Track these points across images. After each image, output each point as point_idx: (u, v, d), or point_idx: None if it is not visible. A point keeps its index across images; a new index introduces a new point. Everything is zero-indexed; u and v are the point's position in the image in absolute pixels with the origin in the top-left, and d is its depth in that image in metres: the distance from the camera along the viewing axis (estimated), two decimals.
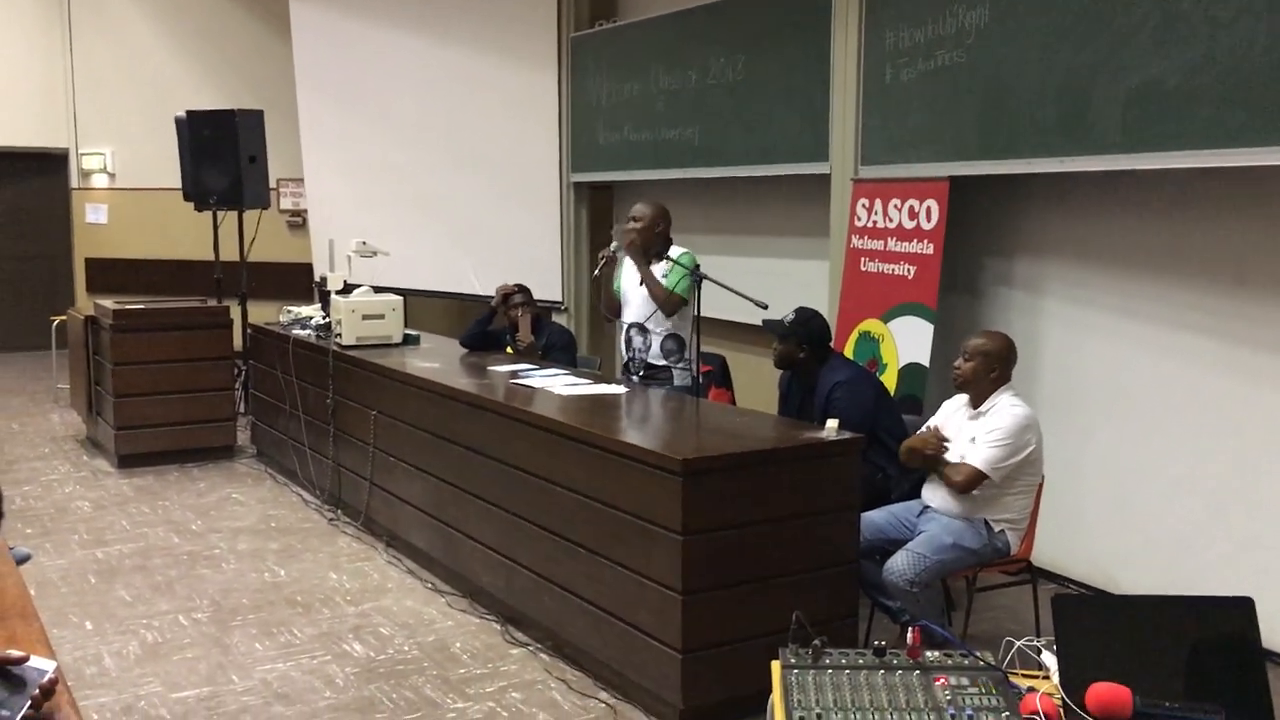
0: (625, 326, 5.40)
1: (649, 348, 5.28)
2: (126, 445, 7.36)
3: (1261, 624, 2.33)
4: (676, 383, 5.24)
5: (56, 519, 6.28)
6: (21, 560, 3.71)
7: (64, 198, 12.32)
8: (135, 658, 4.42)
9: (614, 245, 5.38)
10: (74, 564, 5.52)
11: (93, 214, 12.28)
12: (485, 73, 9.13)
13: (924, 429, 4.41)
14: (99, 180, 12.24)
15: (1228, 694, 2.26)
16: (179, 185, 8.92)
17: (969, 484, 4.11)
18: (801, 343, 4.82)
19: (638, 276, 5.28)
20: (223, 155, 8.52)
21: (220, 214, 8.73)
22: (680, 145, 7.54)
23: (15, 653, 1.86)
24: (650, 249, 5.25)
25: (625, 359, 5.45)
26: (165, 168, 9.84)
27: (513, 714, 3.94)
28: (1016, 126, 5.20)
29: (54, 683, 1.84)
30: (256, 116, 8.66)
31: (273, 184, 9.32)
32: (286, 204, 11.81)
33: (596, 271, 5.46)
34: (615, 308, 5.47)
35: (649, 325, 5.26)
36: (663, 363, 5.27)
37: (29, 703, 1.79)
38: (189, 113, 8.74)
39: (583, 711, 3.97)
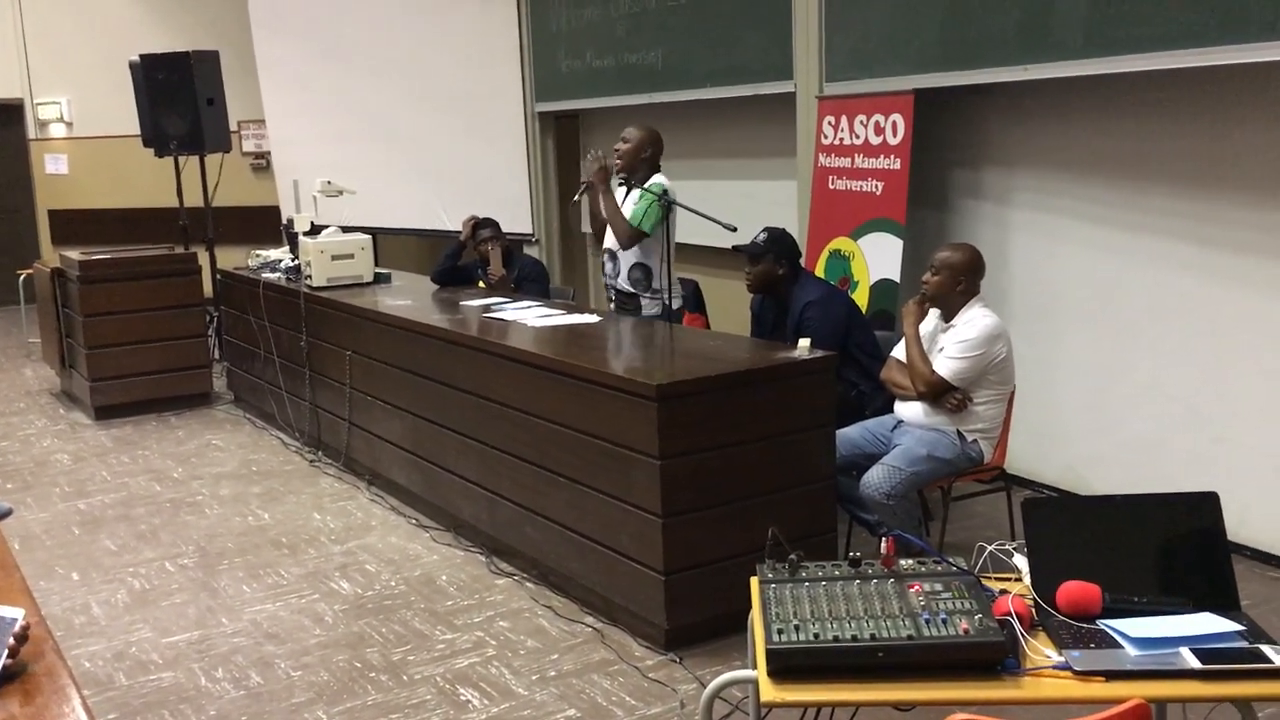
0: (603, 250, 5.38)
1: (618, 274, 5.26)
2: (102, 397, 7.34)
3: (1230, 519, 2.39)
4: (644, 314, 5.18)
5: (36, 473, 6.27)
6: (2, 515, 3.72)
7: (22, 149, 12.11)
8: (124, 605, 4.45)
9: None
10: (57, 516, 5.53)
11: (52, 165, 12.09)
12: (443, 3, 8.97)
13: (898, 346, 4.43)
14: (57, 130, 12.03)
15: (1195, 586, 2.32)
16: (138, 132, 8.79)
17: (932, 391, 4.16)
18: (779, 258, 4.82)
19: (617, 199, 5.21)
20: (180, 99, 8.36)
21: (182, 159, 8.61)
22: (643, 69, 7.46)
23: None
24: (635, 174, 5.17)
25: (605, 283, 5.44)
26: (123, 114, 9.66)
27: (501, 642, 3.99)
28: (978, 35, 5.16)
29: (26, 628, 1.85)
30: (212, 58, 8.49)
31: (233, 127, 9.18)
32: (249, 146, 11.66)
33: (577, 197, 5.37)
34: (602, 232, 5.40)
35: (619, 252, 5.23)
36: (632, 290, 5.25)
37: (5, 651, 1.80)
38: (143, 56, 8.56)
39: (570, 636, 4.03)
